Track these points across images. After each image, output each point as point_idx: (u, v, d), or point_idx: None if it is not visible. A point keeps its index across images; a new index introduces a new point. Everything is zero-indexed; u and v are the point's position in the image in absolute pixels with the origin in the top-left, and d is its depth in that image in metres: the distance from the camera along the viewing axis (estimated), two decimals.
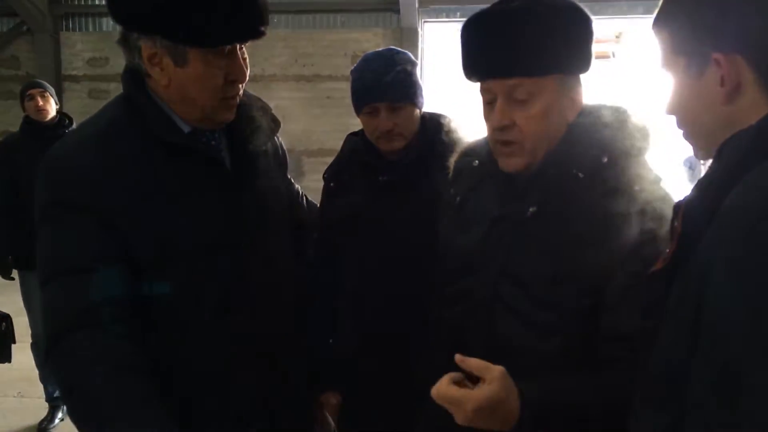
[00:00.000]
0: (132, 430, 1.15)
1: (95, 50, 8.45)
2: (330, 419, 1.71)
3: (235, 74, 1.30)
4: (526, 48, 1.19)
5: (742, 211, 0.78)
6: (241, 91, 1.36)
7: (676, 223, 0.91)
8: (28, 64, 8.65)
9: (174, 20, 1.21)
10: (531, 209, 1.26)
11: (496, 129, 1.26)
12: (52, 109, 3.75)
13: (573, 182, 1.24)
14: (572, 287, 1.20)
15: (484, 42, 1.25)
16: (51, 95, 3.77)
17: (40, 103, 3.70)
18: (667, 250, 0.93)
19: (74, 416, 1.23)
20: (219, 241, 1.34)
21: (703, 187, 0.89)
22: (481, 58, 1.26)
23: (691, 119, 0.95)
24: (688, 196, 0.92)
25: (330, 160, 2.07)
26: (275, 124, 1.54)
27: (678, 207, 0.93)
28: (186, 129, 1.35)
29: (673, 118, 1.00)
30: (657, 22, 0.96)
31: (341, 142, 2.06)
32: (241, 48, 1.32)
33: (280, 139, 1.63)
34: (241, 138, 1.42)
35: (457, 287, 1.35)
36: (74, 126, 3.80)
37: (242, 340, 1.36)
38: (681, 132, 0.99)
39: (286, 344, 1.46)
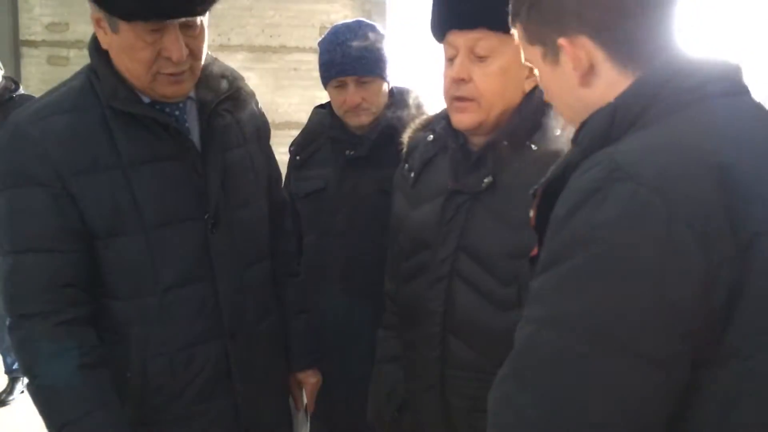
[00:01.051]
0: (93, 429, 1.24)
1: (54, 15, 8.16)
2: (304, 398, 1.68)
3: (168, 51, 1.24)
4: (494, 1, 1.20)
5: (567, 196, 0.76)
6: (188, 67, 1.29)
7: (531, 213, 0.89)
8: None
9: None
10: (486, 180, 1.27)
11: (453, 82, 1.28)
12: None
13: (527, 154, 1.26)
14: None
15: None
16: None
17: None
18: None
19: (35, 403, 1.29)
20: (178, 213, 1.33)
21: (558, 172, 0.85)
22: (448, 10, 1.28)
23: (561, 105, 0.94)
24: (543, 182, 0.88)
25: (296, 132, 2.06)
26: (248, 94, 1.51)
27: (534, 195, 0.89)
28: (147, 99, 1.33)
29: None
30: (511, 18, 0.94)
31: (308, 115, 2.05)
32: (191, 25, 1.25)
33: (261, 109, 1.60)
34: (209, 109, 1.39)
35: (414, 262, 1.37)
36: (21, 90, 3.80)
37: (204, 312, 1.36)
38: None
39: (253, 318, 1.45)
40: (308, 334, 1.64)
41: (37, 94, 5.14)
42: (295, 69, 7.94)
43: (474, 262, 1.28)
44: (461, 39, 1.26)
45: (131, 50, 1.23)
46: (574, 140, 0.87)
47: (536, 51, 0.90)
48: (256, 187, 1.51)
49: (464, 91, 1.27)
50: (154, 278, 1.31)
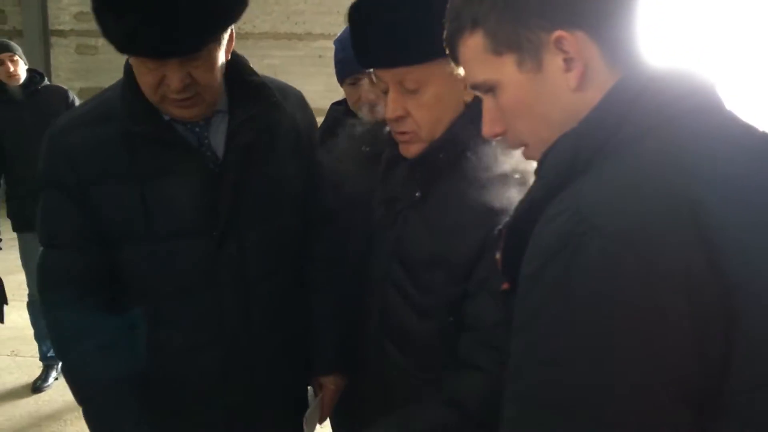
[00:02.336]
0: (106, 406, 1.37)
1: (82, 4, 8.28)
2: (321, 404, 1.67)
3: (168, 80, 1.24)
4: (404, 36, 1.15)
5: (534, 252, 0.70)
6: (194, 93, 1.28)
7: (497, 255, 0.81)
8: (14, 18, 8.50)
9: (98, 17, 1.22)
10: (417, 194, 1.27)
11: (391, 120, 1.24)
12: (22, 71, 3.77)
13: (461, 163, 1.21)
14: (443, 273, 1.22)
15: (364, 33, 1.22)
16: (20, 57, 3.79)
17: (11, 68, 3.70)
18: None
19: (66, 382, 1.43)
20: (187, 227, 1.36)
21: (523, 211, 0.78)
22: (366, 49, 1.23)
23: (533, 126, 0.81)
24: (508, 221, 0.81)
25: (321, 119, 2.07)
26: (293, 106, 1.48)
27: (499, 235, 0.83)
28: (167, 116, 1.35)
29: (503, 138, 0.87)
30: (461, 28, 0.83)
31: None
32: (195, 57, 1.22)
33: (310, 116, 1.55)
34: (235, 125, 1.39)
35: (355, 268, 1.40)
36: (46, 81, 3.90)
37: (206, 322, 1.41)
38: (523, 151, 0.86)
39: (259, 329, 1.46)
40: (333, 340, 1.60)
41: (66, 84, 5.25)
42: (320, 56, 7.96)
43: (402, 269, 1.29)
44: (387, 75, 1.21)
45: (138, 74, 1.27)
46: (537, 173, 0.80)
47: (506, 60, 0.79)
48: (282, 202, 1.47)
49: (404, 126, 1.23)
50: (157, 286, 1.38)
